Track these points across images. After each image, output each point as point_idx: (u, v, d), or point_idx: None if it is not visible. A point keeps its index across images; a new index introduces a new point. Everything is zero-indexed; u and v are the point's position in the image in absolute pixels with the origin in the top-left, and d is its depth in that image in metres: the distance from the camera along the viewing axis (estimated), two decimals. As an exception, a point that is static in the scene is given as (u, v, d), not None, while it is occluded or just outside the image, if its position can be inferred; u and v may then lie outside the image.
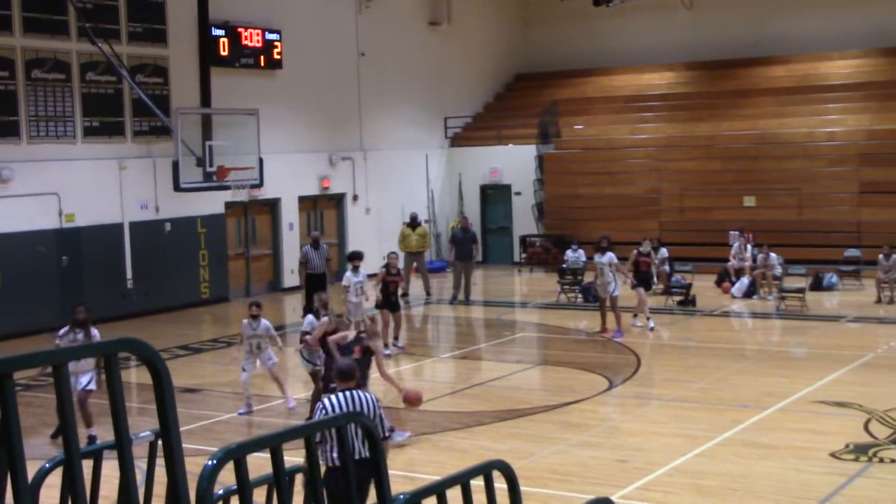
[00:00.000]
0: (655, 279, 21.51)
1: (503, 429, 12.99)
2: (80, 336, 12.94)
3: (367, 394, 8.24)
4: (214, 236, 24.26)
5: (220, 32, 24.15)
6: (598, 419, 13.40)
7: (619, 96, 31.84)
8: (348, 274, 17.52)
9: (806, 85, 29.45)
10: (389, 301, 17.79)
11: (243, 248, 25.58)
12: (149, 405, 13.14)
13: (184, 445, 3.04)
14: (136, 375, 14.97)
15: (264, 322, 14.08)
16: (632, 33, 32.11)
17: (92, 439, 13.00)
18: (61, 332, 13.07)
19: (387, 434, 8.38)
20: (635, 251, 19.71)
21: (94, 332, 12.96)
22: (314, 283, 20.28)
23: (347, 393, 8.02)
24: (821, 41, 29.90)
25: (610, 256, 18.76)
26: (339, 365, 8.53)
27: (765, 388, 14.64)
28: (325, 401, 8.10)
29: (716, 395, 14.43)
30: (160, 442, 3.10)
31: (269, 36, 25.36)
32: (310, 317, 14.04)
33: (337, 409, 7.79)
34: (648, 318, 19.31)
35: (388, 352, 16.94)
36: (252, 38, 24.97)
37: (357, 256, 17.72)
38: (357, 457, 7.17)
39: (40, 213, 20.87)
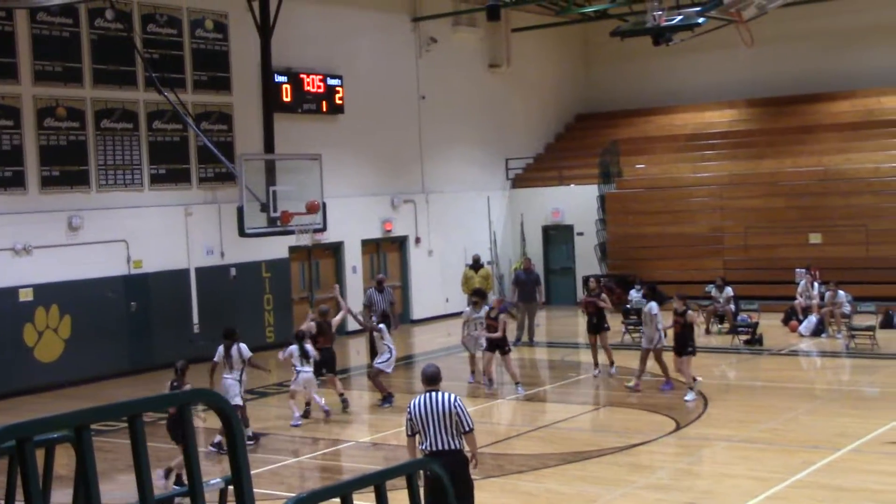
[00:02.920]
0: (693, 342, 17.19)
1: (569, 471, 12.88)
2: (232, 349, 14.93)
3: (448, 394, 9.16)
4: (279, 281, 24.49)
5: (283, 79, 24.51)
6: (666, 461, 13.23)
7: (680, 135, 31.73)
8: (468, 310, 18.78)
9: (871, 120, 29.13)
10: (591, 322, 19.02)
11: (307, 292, 25.76)
12: (215, 450, 13.26)
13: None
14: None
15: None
16: (692, 71, 32.04)
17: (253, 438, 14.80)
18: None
19: (471, 427, 9.12)
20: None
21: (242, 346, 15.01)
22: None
23: (431, 394, 9.11)
24: (884, 75, 29.58)
25: (651, 306, 17.64)
26: (425, 370, 9.49)
27: (836, 429, 14.37)
28: (412, 401, 9.23)
29: (786, 436, 14.20)
30: (230, 488, 3.13)
31: (331, 81, 25.69)
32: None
33: (420, 410, 9.02)
34: (691, 388, 16.65)
35: (596, 372, 19.09)
36: (314, 84, 25.32)
37: (478, 294, 18.97)
38: (447, 447, 8.93)
39: (109, 260, 21.24)
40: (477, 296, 18.85)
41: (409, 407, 9.18)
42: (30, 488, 2.76)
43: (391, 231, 27.69)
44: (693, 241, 28.36)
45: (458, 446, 9.03)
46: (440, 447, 8.94)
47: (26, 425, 2.74)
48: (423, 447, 9.02)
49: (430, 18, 28.41)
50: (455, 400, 9.12)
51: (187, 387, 12.85)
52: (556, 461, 13.32)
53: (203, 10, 23.20)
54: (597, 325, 18.93)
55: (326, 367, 17.07)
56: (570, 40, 33.86)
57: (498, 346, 17.85)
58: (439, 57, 28.85)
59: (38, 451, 3.23)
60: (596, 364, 19.08)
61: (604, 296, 19.35)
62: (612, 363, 19.00)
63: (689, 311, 16.77)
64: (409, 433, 9.21)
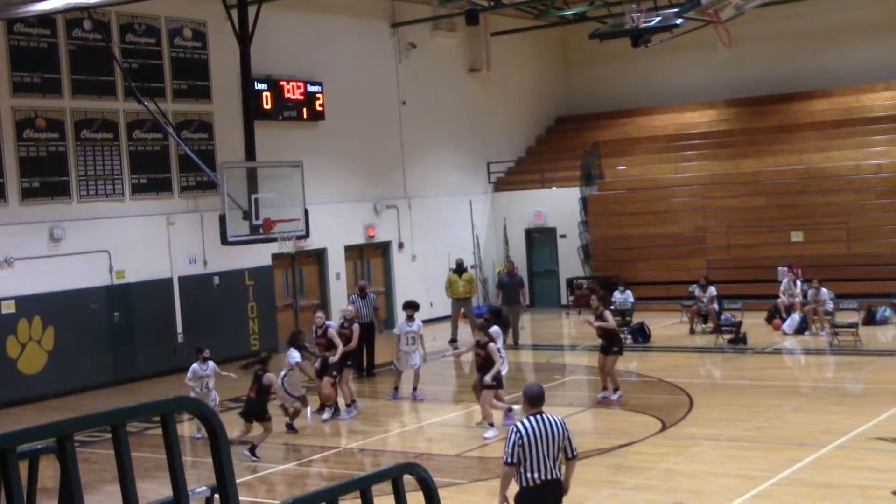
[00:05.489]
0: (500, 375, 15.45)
1: (556, 474, 12.86)
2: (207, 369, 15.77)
3: (556, 417, 8.44)
4: (262, 288, 24.43)
5: (263, 86, 24.47)
6: (653, 461, 13.25)
7: (661, 136, 31.83)
8: (401, 322, 18.14)
9: (850, 118, 29.29)
10: (602, 344, 16.93)
11: (291, 299, 25.71)
12: (200, 459, 13.24)
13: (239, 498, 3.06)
14: (188, 429, 15.05)
15: (212, 364, 15.85)
16: (672, 72, 32.14)
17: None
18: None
19: (576, 454, 8.42)
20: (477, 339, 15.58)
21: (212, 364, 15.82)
22: (362, 333, 20.31)
23: (541, 417, 8.31)
24: (863, 73, 29.76)
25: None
26: (529, 390, 8.66)
27: (821, 426, 14.43)
28: (519, 424, 8.32)
29: (771, 434, 14.25)
30: (216, 496, 3.12)
31: (311, 88, 25.66)
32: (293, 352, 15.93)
33: (531, 433, 8.13)
34: (491, 424, 15.01)
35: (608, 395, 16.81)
36: (294, 91, 25.28)
37: (410, 306, 18.20)
38: (553, 477, 8.14)
39: (92, 271, 21.15)
40: (410, 308, 18.10)
41: (519, 431, 8.15)
42: (13, 501, 2.75)
43: (374, 237, 27.67)
44: (676, 241, 28.45)
45: (560, 475, 8.24)
46: (548, 476, 8.11)
47: (7, 436, 2.73)
48: (531, 476, 8.09)
49: (409, 24, 28.41)
50: (564, 423, 8.40)
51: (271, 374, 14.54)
52: (542, 464, 13.27)
53: (181, 18, 23.15)
54: (605, 348, 16.81)
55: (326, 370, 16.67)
56: (550, 43, 33.93)
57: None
58: (419, 62, 28.87)
59: (23, 463, 3.21)
60: (604, 387, 17.00)
61: (606, 313, 16.85)
62: (614, 389, 16.78)
63: (490, 343, 15.15)
64: (512, 461, 8.11)
